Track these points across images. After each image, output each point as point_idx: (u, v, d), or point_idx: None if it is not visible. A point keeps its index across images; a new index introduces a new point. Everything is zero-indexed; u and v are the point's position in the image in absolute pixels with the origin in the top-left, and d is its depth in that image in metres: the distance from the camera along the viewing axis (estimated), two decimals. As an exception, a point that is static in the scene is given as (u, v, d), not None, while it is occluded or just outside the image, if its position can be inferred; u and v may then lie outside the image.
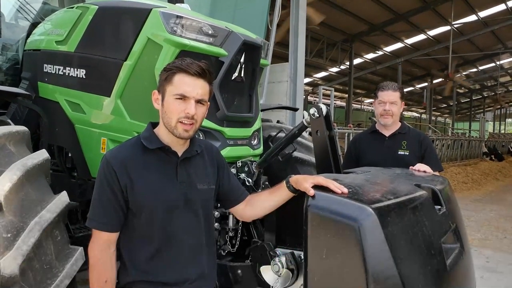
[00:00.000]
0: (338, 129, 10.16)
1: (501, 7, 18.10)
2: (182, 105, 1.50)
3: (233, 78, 2.37)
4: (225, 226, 2.23)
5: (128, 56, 2.23)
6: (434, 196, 1.83)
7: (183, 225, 1.55)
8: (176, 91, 1.50)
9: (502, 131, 41.98)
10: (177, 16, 2.16)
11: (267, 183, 2.45)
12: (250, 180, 2.31)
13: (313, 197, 1.45)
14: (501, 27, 19.52)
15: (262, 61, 2.63)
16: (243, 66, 2.39)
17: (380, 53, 23.95)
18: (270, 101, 7.23)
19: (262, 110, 4.27)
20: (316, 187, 1.50)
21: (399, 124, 2.84)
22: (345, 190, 1.45)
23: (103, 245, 1.50)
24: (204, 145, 1.73)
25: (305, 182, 1.52)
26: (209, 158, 1.70)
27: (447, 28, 19.13)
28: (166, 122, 1.53)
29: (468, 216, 7.91)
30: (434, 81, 27.23)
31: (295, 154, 2.91)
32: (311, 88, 29.89)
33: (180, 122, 1.50)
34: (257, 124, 2.65)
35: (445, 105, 43.78)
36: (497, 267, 5.04)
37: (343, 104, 34.28)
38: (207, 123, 2.27)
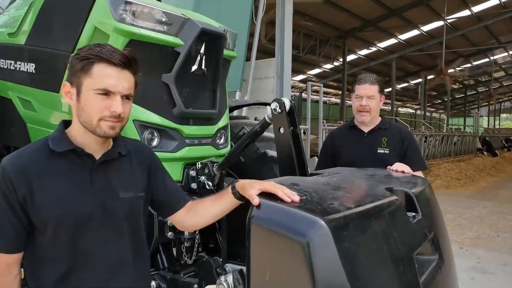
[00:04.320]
0: (328, 126, 9.93)
1: (494, 1, 17.93)
2: (106, 102, 1.26)
3: (192, 70, 2.15)
4: (180, 236, 2.00)
5: (75, 47, 2.01)
6: (408, 201, 1.62)
7: (100, 240, 1.31)
8: (97, 85, 1.25)
9: (497, 126, 41.99)
10: (126, 2, 1.95)
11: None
12: (211, 183, 2.09)
13: (258, 206, 1.23)
14: (495, 22, 19.38)
15: (227, 52, 2.41)
16: (203, 57, 2.18)
17: (374, 49, 23.72)
18: (256, 98, 7.00)
19: (238, 107, 4.05)
20: (264, 194, 1.27)
21: (379, 119, 2.62)
22: (296, 198, 1.22)
23: (2, 269, 1.27)
24: (133, 145, 1.47)
25: (251, 188, 1.30)
26: (138, 161, 1.45)
27: (441, 23, 18.95)
28: (84, 120, 1.28)
29: (460, 214, 7.75)
30: (428, 77, 27.05)
31: (271, 153, 2.71)
32: (305, 85, 29.65)
33: (103, 120, 1.27)
34: (222, 122, 2.43)
35: (439, 101, 43.67)
36: (489, 268, 4.86)
37: (338, 101, 34.05)
38: (162, 121, 2.07)
